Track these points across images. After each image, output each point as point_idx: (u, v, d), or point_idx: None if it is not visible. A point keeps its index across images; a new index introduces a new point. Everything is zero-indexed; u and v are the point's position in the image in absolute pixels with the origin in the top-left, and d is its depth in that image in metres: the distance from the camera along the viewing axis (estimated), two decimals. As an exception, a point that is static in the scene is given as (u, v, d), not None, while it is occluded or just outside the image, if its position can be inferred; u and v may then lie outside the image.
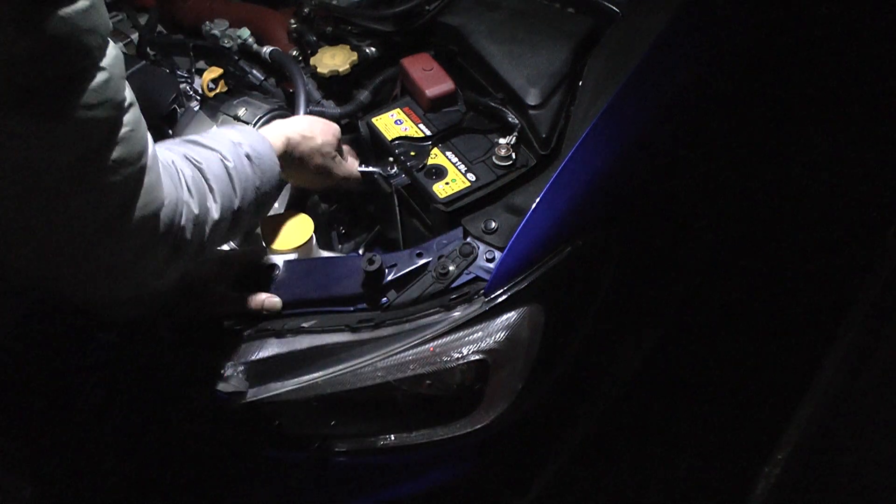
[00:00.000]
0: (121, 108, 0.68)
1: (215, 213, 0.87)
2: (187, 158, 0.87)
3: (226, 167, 0.91)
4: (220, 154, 0.91)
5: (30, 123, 0.61)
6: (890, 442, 1.56)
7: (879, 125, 2.03)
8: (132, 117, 0.70)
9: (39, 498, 1.08)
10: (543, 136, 1.14)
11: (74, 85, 0.63)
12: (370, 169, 1.23)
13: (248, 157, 0.95)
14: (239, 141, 0.96)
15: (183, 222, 0.81)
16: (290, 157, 1.08)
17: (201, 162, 0.88)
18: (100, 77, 0.65)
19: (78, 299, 0.84)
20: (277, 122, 1.12)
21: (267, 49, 1.38)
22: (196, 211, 0.83)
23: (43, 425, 1.08)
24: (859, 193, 1.99)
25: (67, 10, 0.60)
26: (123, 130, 0.69)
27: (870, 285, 1.80)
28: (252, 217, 0.99)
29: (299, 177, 1.16)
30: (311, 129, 1.12)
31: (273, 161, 1.00)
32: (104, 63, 0.65)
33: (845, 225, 1.95)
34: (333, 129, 1.17)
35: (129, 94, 0.70)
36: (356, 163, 1.25)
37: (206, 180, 0.87)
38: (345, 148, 1.24)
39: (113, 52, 0.67)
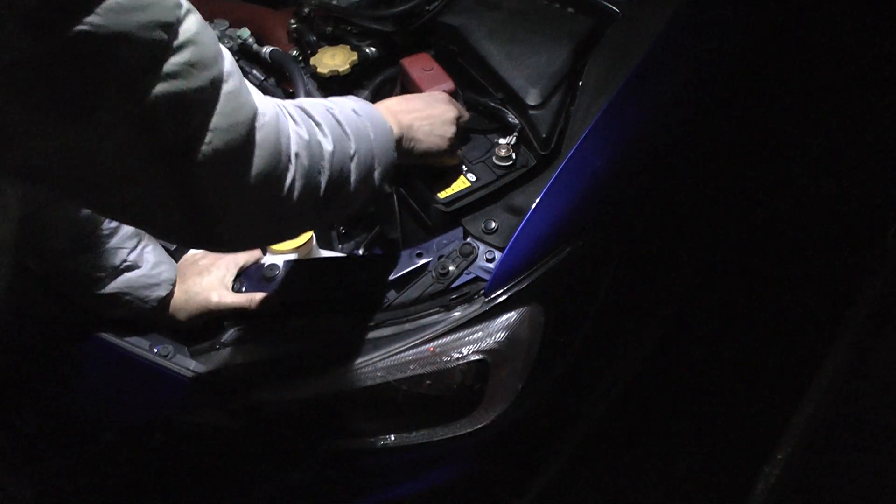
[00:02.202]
0: (212, 81, 0.63)
1: (329, 146, 0.79)
2: (286, 102, 0.80)
3: (330, 112, 0.83)
4: (325, 104, 0.85)
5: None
6: (890, 442, 1.56)
7: (879, 125, 2.03)
8: (230, 89, 0.65)
9: (39, 498, 1.08)
10: (543, 136, 1.14)
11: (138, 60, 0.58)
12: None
13: (354, 111, 0.88)
14: (342, 100, 0.90)
15: (293, 146, 0.73)
16: (405, 123, 0.99)
17: (304, 104, 0.81)
18: (182, 55, 0.60)
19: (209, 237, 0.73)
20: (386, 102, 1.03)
21: (267, 49, 1.38)
22: (307, 136, 0.76)
23: (43, 425, 1.08)
24: (859, 193, 2.00)
25: None
26: (218, 106, 0.64)
27: (870, 285, 1.80)
28: (376, 177, 0.89)
29: (417, 149, 1.03)
30: (426, 98, 1.06)
31: (382, 119, 0.92)
32: (182, 37, 0.60)
33: (845, 225, 1.96)
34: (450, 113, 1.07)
35: (227, 65, 0.66)
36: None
37: (312, 117, 0.80)
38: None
39: (193, 26, 0.62)
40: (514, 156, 1.14)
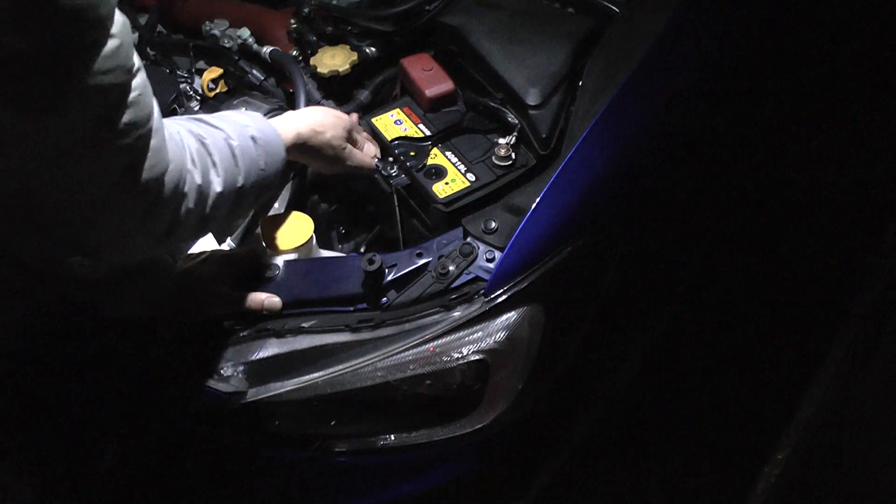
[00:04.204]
0: (130, 73, 0.71)
1: (218, 186, 0.88)
2: (192, 133, 0.88)
3: (230, 145, 0.92)
4: (226, 133, 0.93)
5: (47, 88, 0.64)
6: (890, 442, 1.56)
7: (879, 125, 2.03)
8: (140, 81, 0.72)
9: (39, 498, 1.08)
10: (543, 136, 1.14)
11: (89, 53, 0.65)
12: (381, 165, 1.21)
13: (252, 138, 0.96)
14: (245, 123, 0.97)
15: (186, 189, 0.82)
16: (300, 149, 1.10)
17: (206, 137, 0.89)
18: (111, 44, 0.67)
19: (87, 250, 0.85)
20: (289, 114, 1.13)
21: (267, 49, 1.38)
22: (199, 181, 0.85)
23: (43, 425, 1.08)
24: (859, 193, 2.00)
25: None
26: (133, 94, 0.71)
27: (870, 285, 1.80)
28: (255, 199, 1.00)
29: (310, 163, 1.20)
30: (322, 122, 1.12)
31: (279, 146, 1.02)
32: (114, 30, 0.67)
33: (845, 225, 1.96)
34: (344, 121, 1.17)
35: (136, 60, 0.72)
36: (373, 148, 1.23)
37: (210, 154, 0.88)
38: (364, 136, 1.23)
39: (120, 18, 0.69)
40: (513, 156, 1.14)
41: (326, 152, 1.13)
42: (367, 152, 1.22)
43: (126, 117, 0.71)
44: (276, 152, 1.01)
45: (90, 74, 0.65)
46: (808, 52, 1.71)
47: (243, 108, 1.30)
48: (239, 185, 0.93)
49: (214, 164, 0.89)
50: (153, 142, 0.76)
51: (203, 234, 0.97)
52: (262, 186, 0.99)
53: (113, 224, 0.78)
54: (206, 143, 0.89)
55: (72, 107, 0.66)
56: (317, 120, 1.12)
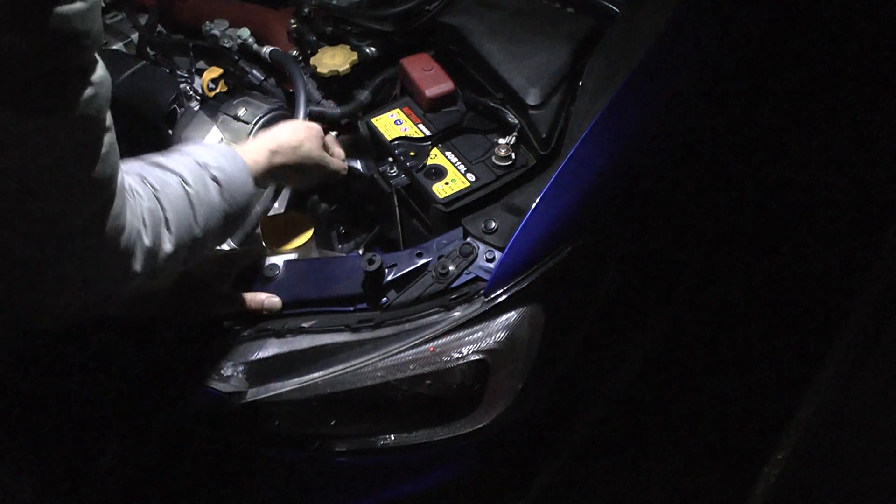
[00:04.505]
0: (102, 128, 0.70)
1: (168, 246, 0.84)
2: (146, 183, 0.84)
3: (186, 193, 0.87)
4: (181, 178, 0.88)
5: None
6: (890, 442, 1.56)
7: (879, 125, 2.03)
8: (109, 140, 0.72)
9: (39, 498, 1.08)
10: (543, 136, 1.14)
11: (68, 87, 0.64)
12: (353, 164, 1.21)
13: (214, 179, 0.91)
14: (205, 162, 0.92)
15: (135, 251, 0.79)
16: (280, 171, 1.07)
17: (158, 189, 0.85)
18: (88, 91, 0.66)
19: (27, 311, 0.81)
20: (260, 139, 1.09)
21: (267, 49, 1.38)
22: (148, 243, 0.81)
23: (43, 425, 1.08)
24: (859, 193, 2.00)
25: (65, 9, 0.61)
26: (102, 151, 0.70)
27: (870, 285, 1.80)
28: (219, 239, 0.98)
29: (290, 181, 1.18)
30: (297, 136, 1.10)
31: (245, 182, 0.97)
32: (93, 78, 0.66)
33: (845, 225, 1.96)
34: (316, 130, 1.14)
35: (109, 117, 0.72)
36: (341, 151, 1.22)
37: (163, 210, 0.84)
38: (329, 139, 1.21)
39: (102, 71, 0.68)
40: (513, 156, 1.14)
41: (308, 164, 1.11)
42: (338, 156, 1.20)
43: (94, 171, 0.70)
44: (242, 190, 0.96)
45: (68, 109, 0.65)
46: (808, 52, 1.71)
47: (243, 109, 1.30)
48: (195, 235, 0.88)
49: (167, 222, 0.84)
50: (115, 203, 0.74)
51: (157, 281, 0.92)
52: (228, 226, 0.96)
53: (63, 274, 0.76)
54: (158, 196, 0.84)
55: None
56: (290, 135, 1.09)
